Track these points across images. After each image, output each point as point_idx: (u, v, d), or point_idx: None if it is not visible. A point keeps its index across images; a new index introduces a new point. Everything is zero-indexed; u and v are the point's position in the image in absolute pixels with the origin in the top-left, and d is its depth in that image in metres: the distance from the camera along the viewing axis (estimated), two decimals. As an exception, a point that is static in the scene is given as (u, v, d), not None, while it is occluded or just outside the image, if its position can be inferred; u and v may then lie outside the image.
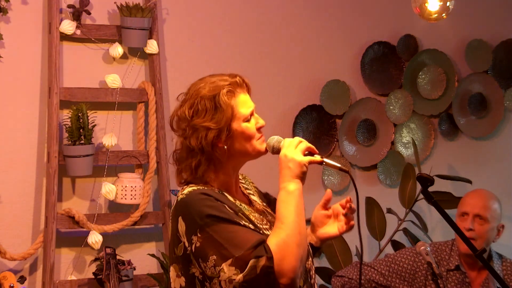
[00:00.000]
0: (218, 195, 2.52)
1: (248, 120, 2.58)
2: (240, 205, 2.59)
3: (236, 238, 2.41)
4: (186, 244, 2.46)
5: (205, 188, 2.53)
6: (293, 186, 2.49)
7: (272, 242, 2.41)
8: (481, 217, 3.81)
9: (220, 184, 2.59)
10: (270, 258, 2.38)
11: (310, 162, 2.53)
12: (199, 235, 2.44)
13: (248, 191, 2.76)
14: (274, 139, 2.61)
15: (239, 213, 2.51)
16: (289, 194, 2.48)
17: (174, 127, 2.61)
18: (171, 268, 2.56)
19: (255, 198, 2.75)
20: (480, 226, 3.80)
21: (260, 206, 2.72)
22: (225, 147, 2.54)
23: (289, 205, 2.47)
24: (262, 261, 2.38)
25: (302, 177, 2.51)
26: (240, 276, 2.37)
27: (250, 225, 2.49)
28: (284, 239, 2.41)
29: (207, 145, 2.52)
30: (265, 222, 2.61)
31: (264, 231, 2.55)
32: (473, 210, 3.83)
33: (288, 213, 2.46)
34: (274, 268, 2.38)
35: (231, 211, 2.48)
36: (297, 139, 2.56)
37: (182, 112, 2.57)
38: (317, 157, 2.56)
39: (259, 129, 2.60)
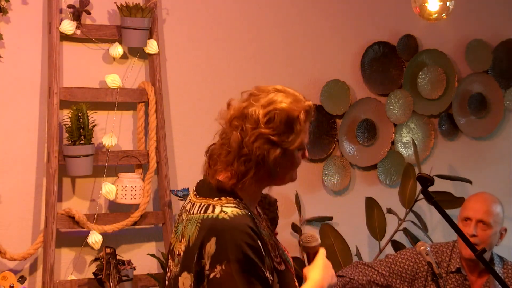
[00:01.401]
0: (254, 223, 2.41)
1: (301, 149, 2.47)
2: (263, 230, 2.51)
3: None
4: (207, 267, 2.36)
5: (244, 212, 2.40)
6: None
7: None
8: (484, 222, 3.79)
9: (249, 198, 2.48)
10: None
11: None
12: (224, 267, 2.33)
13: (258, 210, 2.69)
14: (317, 242, 2.62)
15: (266, 257, 2.42)
16: None
17: (232, 121, 2.45)
18: (184, 274, 2.44)
19: (259, 209, 2.71)
20: (483, 231, 3.78)
21: (264, 217, 2.67)
22: (278, 168, 2.43)
23: None
24: None
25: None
26: None
27: (270, 277, 2.41)
28: None
29: (267, 160, 2.40)
30: (276, 253, 2.54)
31: (277, 266, 2.49)
32: (476, 215, 3.80)
33: None
34: None
35: (265, 262, 2.40)
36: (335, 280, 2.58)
37: (254, 112, 2.41)
38: None
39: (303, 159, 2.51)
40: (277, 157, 2.40)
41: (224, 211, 2.40)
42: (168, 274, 2.55)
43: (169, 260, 2.56)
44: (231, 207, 2.41)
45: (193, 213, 2.49)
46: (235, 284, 2.30)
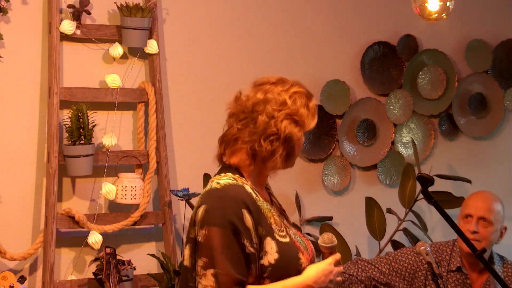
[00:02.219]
0: (244, 193, 2.58)
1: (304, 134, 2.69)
2: (263, 203, 2.64)
3: (232, 258, 2.48)
4: (196, 232, 2.54)
5: (235, 182, 2.60)
6: (313, 286, 2.59)
7: None
8: (485, 219, 3.80)
9: (254, 178, 2.67)
10: None
11: None
12: (206, 232, 2.51)
13: (269, 191, 2.82)
14: (333, 242, 2.71)
15: (259, 227, 2.56)
16: (306, 286, 2.59)
17: (254, 107, 2.64)
18: (187, 247, 2.60)
19: (274, 199, 2.81)
20: (484, 228, 3.79)
21: (279, 206, 2.78)
22: (295, 149, 2.65)
23: None
24: None
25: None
26: None
27: (250, 247, 2.53)
28: None
29: (292, 138, 2.61)
30: (282, 228, 2.66)
31: (279, 238, 2.61)
32: (477, 212, 3.82)
33: None
34: None
35: (249, 222, 2.54)
36: (341, 269, 2.67)
37: (279, 95, 2.64)
38: None
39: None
40: (299, 136, 2.63)
41: (218, 183, 2.59)
42: None
43: None
44: (226, 179, 2.60)
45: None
46: (216, 245, 2.48)
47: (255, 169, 2.65)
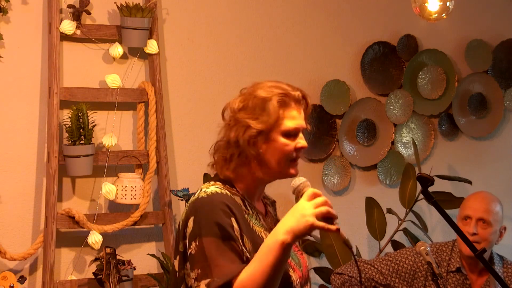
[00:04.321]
0: (234, 204, 2.49)
1: (289, 136, 2.54)
2: (253, 216, 2.56)
3: (222, 264, 2.38)
4: (187, 245, 2.46)
5: (227, 193, 2.51)
6: (285, 238, 2.36)
7: (238, 284, 2.36)
8: (484, 221, 3.80)
9: (245, 189, 2.58)
10: None
11: (320, 228, 2.38)
12: (197, 243, 2.43)
13: (266, 200, 2.74)
14: (300, 181, 2.51)
15: (244, 237, 2.47)
16: (276, 243, 2.36)
17: (223, 115, 2.63)
18: (176, 261, 2.54)
19: (271, 209, 2.75)
20: (483, 230, 3.79)
21: (274, 217, 2.70)
22: (259, 151, 2.53)
23: (269, 254, 2.36)
24: None
25: (300, 236, 2.38)
26: None
27: (247, 254, 2.44)
28: (246, 285, 2.35)
29: (243, 142, 2.52)
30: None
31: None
32: (476, 214, 3.81)
33: (265, 260, 2.36)
34: None
35: (237, 233, 2.44)
36: (322, 199, 2.41)
37: (233, 103, 2.59)
38: (331, 227, 2.38)
39: (297, 150, 2.55)
40: (252, 137, 2.51)
41: (204, 191, 2.52)
42: None
43: None
44: (213, 187, 2.52)
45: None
46: (205, 255, 2.40)
47: (244, 180, 2.57)
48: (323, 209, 2.38)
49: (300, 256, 2.68)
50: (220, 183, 2.56)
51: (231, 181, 2.57)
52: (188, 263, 2.47)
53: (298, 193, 2.51)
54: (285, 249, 2.36)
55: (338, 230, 2.39)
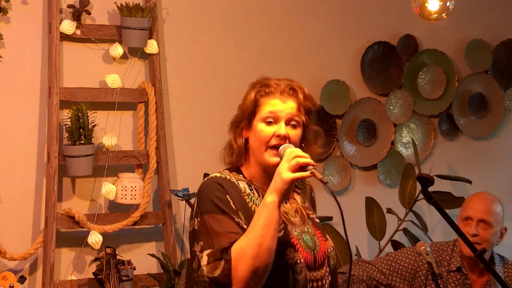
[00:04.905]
0: (231, 185, 2.64)
1: (268, 122, 2.66)
2: (258, 199, 2.66)
3: (221, 232, 2.55)
4: (193, 223, 2.63)
5: (226, 176, 2.67)
6: (270, 198, 2.52)
7: (234, 247, 2.52)
8: (485, 221, 3.79)
9: (251, 175, 2.71)
10: (228, 261, 2.50)
11: (296, 179, 2.53)
12: (199, 219, 2.60)
13: (295, 189, 2.83)
14: (283, 147, 2.63)
15: (239, 212, 2.61)
16: (264, 205, 2.53)
17: None
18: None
19: (298, 198, 2.82)
20: (484, 231, 3.78)
21: (295, 205, 2.77)
22: (243, 138, 2.69)
23: (260, 216, 2.52)
24: (221, 264, 2.51)
25: (283, 193, 2.53)
26: (205, 271, 2.54)
27: (243, 225, 2.58)
28: (243, 247, 2.50)
29: (231, 126, 2.72)
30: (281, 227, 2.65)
31: None
32: (476, 215, 3.81)
33: (256, 223, 2.52)
34: (231, 272, 2.51)
35: (233, 207, 2.60)
36: (293, 152, 2.56)
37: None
38: (304, 173, 2.52)
39: (277, 138, 2.64)
40: (234, 124, 2.71)
41: (207, 177, 2.71)
42: None
43: None
44: (216, 173, 2.70)
45: None
46: (207, 228, 2.57)
47: (248, 166, 2.72)
48: (293, 162, 2.52)
49: (320, 241, 2.74)
50: (227, 170, 2.72)
51: (238, 167, 2.73)
52: (195, 240, 2.62)
53: (281, 158, 2.62)
54: (272, 208, 2.51)
55: (312, 174, 2.52)
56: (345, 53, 4.75)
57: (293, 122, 2.67)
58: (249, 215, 2.59)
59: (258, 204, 2.63)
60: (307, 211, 2.81)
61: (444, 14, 4.05)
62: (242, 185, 2.68)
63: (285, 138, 2.63)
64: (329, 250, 2.73)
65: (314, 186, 3.00)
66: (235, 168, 2.73)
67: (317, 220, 2.84)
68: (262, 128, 2.65)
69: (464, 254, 3.79)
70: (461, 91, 4.99)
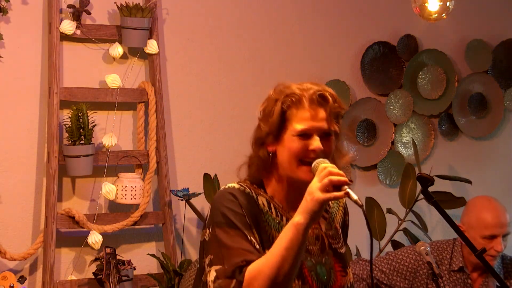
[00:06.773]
0: (248, 200, 2.49)
1: (301, 136, 2.47)
2: (275, 219, 2.52)
3: (233, 248, 2.39)
4: (204, 233, 2.51)
5: (245, 189, 2.51)
6: (298, 219, 2.33)
7: (250, 267, 2.35)
8: (507, 233, 3.81)
9: (274, 190, 2.55)
10: (240, 282, 2.35)
11: (328, 199, 2.34)
12: (210, 231, 2.46)
13: (325, 214, 2.64)
14: (317, 162, 2.44)
15: (254, 229, 2.46)
16: (291, 226, 2.35)
17: None
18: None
19: (323, 224, 2.62)
20: (505, 242, 3.80)
21: (317, 232, 2.59)
22: (270, 152, 2.50)
23: (284, 237, 2.34)
24: (231, 284, 2.36)
25: (313, 215, 2.33)
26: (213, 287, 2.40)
27: (256, 245, 2.43)
28: (260, 268, 2.33)
29: (256, 142, 2.53)
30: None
31: None
32: (502, 231, 3.77)
33: (279, 244, 2.35)
34: None
35: (247, 222, 2.45)
36: (326, 169, 2.36)
37: (260, 106, 2.58)
38: (338, 193, 2.32)
39: (310, 152, 2.46)
40: (260, 139, 2.51)
41: (225, 186, 2.55)
42: None
43: None
44: (234, 183, 2.54)
45: None
46: (218, 241, 2.42)
47: (271, 182, 2.55)
48: (326, 180, 2.33)
49: (337, 275, 2.59)
50: (248, 182, 2.55)
51: (262, 182, 2.55)
52: (205, 252, 2.49)
53: (314, 174, 2.44)
54: (299, 230, 2.33)
55: (347, 194, 2.34)
56: (345, 53, 4.75)
57: (326, 132, 2.50)
58: (259, 235, 2.46)
59: (273, 225, 2.49)
60: (330, 240, 2.61)
61: (444, 14, 4.05)
62: (261, 200, 2.51)
63: (319, 152, 2.46)
64: (346, 287, 2.59)
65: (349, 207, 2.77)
66: (258, 180, 2.55)
67: (342, 251, 2.65)
68: (293, 143, 2.47)
69: (473, 262, 3.78)
70: (461, 91, 4.99)
